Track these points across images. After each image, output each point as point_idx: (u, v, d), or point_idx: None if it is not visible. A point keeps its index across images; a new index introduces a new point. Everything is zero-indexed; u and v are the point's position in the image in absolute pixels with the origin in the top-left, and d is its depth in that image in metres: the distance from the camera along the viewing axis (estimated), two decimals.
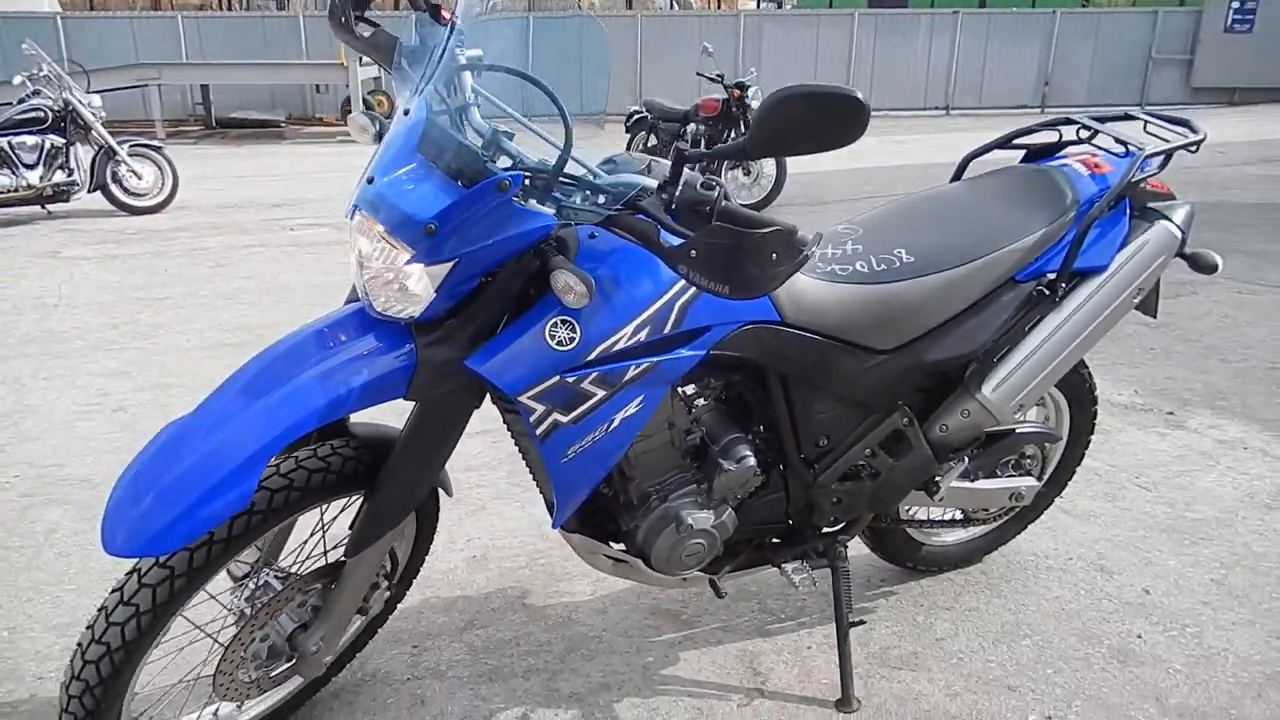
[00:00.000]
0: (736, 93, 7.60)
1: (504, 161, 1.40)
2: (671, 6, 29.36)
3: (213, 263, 5.96)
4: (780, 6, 25.07)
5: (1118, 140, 1.97)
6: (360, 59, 12.63)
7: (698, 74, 8.18)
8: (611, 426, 1.52)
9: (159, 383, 3.79)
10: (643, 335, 1.49)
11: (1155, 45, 16.95)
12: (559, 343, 1.43)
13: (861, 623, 2.04)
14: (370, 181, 1.36)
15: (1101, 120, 2.05)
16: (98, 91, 7.87)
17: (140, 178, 7.53)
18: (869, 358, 1.77)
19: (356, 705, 1.93)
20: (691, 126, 8.04)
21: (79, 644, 1.44)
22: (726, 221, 1.28)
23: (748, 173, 7.76)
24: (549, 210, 1.38)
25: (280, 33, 14.68)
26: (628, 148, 8.74)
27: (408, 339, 1.43)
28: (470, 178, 1.35)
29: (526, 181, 1.36)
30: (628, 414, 1.53)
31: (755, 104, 7.78)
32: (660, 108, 8.36)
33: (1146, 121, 2.04)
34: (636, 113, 8.64)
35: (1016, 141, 2.12)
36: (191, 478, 1.31)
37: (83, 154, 7.34)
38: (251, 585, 1.61)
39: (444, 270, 1.35)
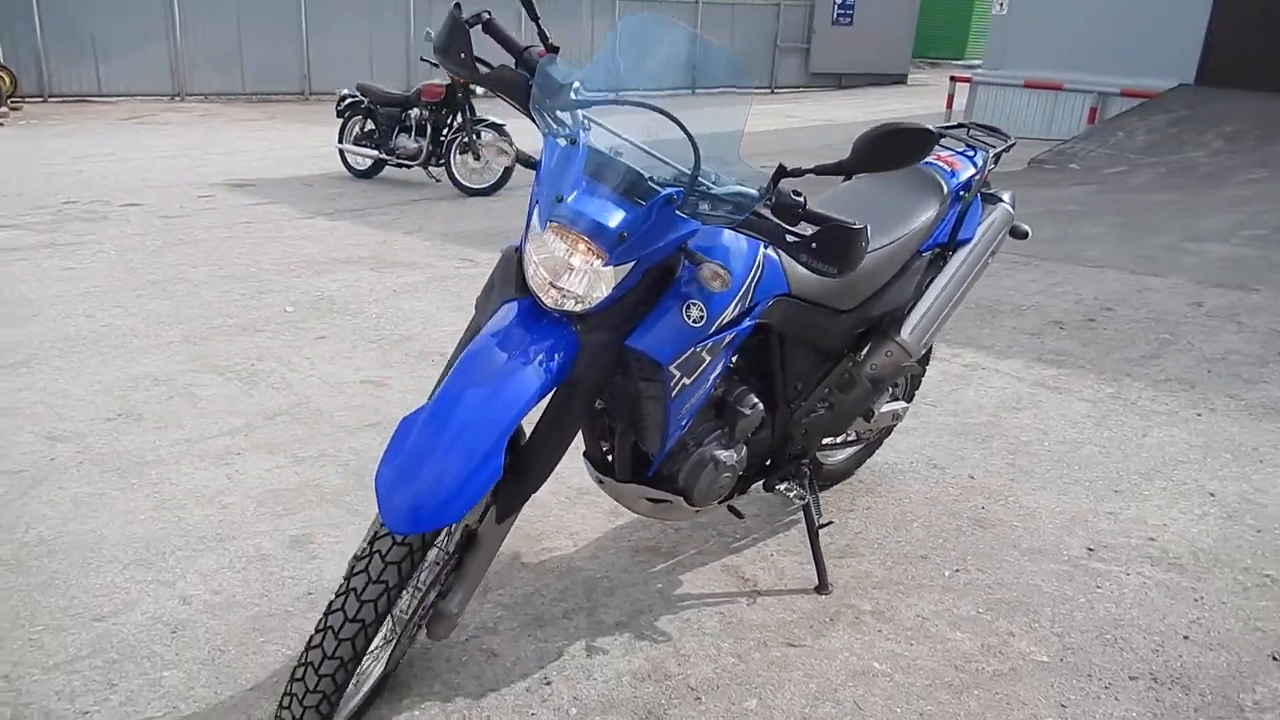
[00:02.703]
0: (461, 79, 7.76)
1: None
2: None
3: None
4: None
5: (968, 145, 2.66)
6: None
7: (422, 59, 8.22)
8: (706, 384, 1.90)
9: None
10: (736, 311, 1.88)
11: (780, 35, 19.36)
12: (694, 320, 1.78)
13: (830, 523, 2.58)
14: (559, 200, 1.62)
15: (945, 130, 2.72)
16: None
17: None
18: (837, 315, 2.29)
19: (435, 668, 2.12)
20: (415, 111, 8.10)
21: (329, 627, 1.55)
22: (813, 221, 1.71)
23: (477, 157, 8.00)
24: (689, 217, 1.72)
25: None
26: (340, 133, 8.56)
27: (569, 329, 1.70)
28: (634, 193, 1.65)
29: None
30: (715, 373, 1.92)
31: (479, 89, 8.01)
32: (377, 92, 8.29)
33: (969, 128, 2.76)
34: (349, 96, 8.47)
35: None
36: (455, 461, 1.51)
37: None
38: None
39: (626, 269, 1.65)
